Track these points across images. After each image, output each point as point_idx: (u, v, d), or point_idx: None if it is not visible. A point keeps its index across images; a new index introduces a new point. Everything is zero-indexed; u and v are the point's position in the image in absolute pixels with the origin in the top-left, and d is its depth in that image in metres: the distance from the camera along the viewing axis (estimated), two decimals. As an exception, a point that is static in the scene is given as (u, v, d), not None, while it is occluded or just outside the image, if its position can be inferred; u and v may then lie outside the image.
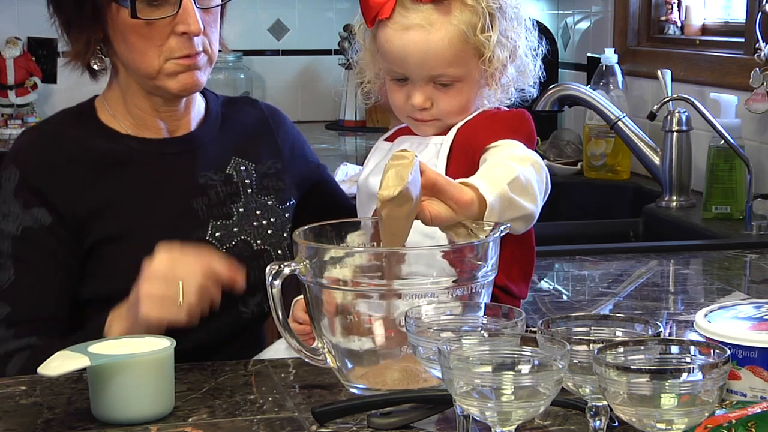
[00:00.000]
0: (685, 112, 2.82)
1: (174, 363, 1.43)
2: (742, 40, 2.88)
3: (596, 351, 1.08)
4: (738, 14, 3.10)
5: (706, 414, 1.06)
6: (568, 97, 2.92)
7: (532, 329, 1.18)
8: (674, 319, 1.90)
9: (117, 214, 1.72)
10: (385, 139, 1.77)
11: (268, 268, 1.43)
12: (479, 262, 1.40)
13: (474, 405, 1.09)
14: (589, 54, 3.62)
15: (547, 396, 1.08)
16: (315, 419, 1.36)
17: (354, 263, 1.40)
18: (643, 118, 2.89)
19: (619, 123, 2.90)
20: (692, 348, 1.11)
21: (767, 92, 2.62)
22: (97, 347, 1.40)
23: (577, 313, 1.33)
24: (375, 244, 1.52)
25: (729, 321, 1.41)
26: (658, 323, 1.18)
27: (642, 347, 1.12)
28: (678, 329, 1.83)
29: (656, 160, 2.86)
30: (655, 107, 2.74)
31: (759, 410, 1.21)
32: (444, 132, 1.68)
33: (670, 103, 2.80)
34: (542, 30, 1.80)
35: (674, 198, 2.82)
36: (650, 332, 1.17)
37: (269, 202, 1.83)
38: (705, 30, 3.28)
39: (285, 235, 1.83)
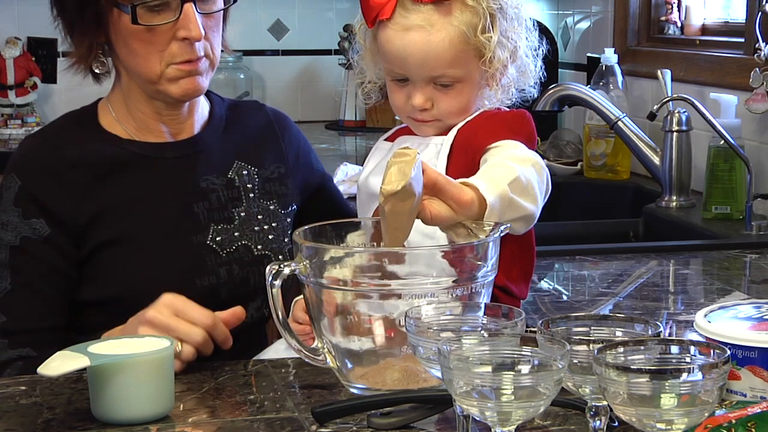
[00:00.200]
0: (685, 112, 2.82)
1: (174, 363, 1.43)
2: (742, 40, 2.88)
3: (596, 351, 1.08)
4: (738, 14, 3.10)
5: (706, 414, 1.06)
6: (568, 97, 2.92)
7: (532, 329, 1.18)
8: (674, 319, 1.90)
9: (118, 219, 1.72)
10: (386, 139, 1.77)
11: (268, 268, 1.43)
12: (479, 262, 1.40)
13: (474, 405, 1.09)
14: (589, 54, 3.62)
15: (547, 396, 1.08)
16: (315, 419, 1.36)
17: (354, 263, 1.40)
18: (643, 118, 2.89)
19: (619, 123, 2.90)
20: (692, 348, 1.11)
21: (767, 92, 2.62)
22: (97, 347, 1.39)
23: (577, 313, 1.33)
24: (375, 244, 1.52)
25: (729, 321, 1.41)
26: (658, 323, 1.18)
27: (642, 347, 1.12)
28: (678, 329, 1.83)
29: (656, 160, 2.86)
30: (655, 107, 2.74)
31: (759, 410, 1.21)
32: (444, 132, 1.68)
33: (670, 103, 2.80)
34: (542, 30, 1.80)
35: (674, 198, 2.82)
36: (650, 332, 1.17)
37: (271, 207, 1.83)
38: (705, 30, 3.28)
39: (286, 240, 1.83)
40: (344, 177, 2.97)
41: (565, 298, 2.10)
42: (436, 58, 1.62)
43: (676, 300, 2.08)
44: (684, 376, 1.05)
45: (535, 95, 1.76)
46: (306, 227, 1.48)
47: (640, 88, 3.27)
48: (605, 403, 1.13)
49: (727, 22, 3.19)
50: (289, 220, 1.85)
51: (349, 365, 1.44)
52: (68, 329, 1.72)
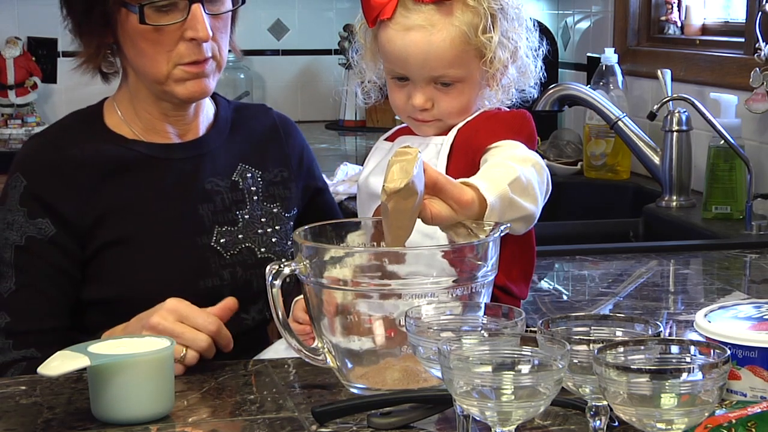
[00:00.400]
0: (685, 112, 2.82)
1: (174, 363, 1.43)
2: (742, 40, 2.88)
3: (596, 351, 1.08)
4: (738, 14, 3.10)
5: (706, 414, 1.06)
6: (568, 97, 2.92)
7: (532, 329, 1.18)
8: (674, 319, 1.90)
9: (122, 219, 1.72)
10: (386, 139, 1.77)
11: (268, 267, 1.43)
12: (479, 262, 1.40)
13: (474, 405, 1.09)
14: (589, 54, 3.62)
15: (547, 396, 1.08)
16: (315, 419, 1.36)
17: (354, 263, 1.40)
18: (643, 118, 2.89)
19: (619, 123, 2.90)
20: (692, 348, 1.11)
21: (767, 92, 2.62)
22: (97, 347, 1.39)
23: (577, 313, 1.33)
24: (375, 244, 1.52)
25: (729, 321, 1.41)
26: (658, 323, 1.18)
27: (642, 347, 1.12)
28: (678, 329, 1.83)
29: (656, 160, 2.86)
30: (655, 107, 2.74)
31: (759, 410, 1.21)
32: (444, 132, 1.68)
33: (670, 103, 2.80)
34: (542, 30, 1.80)
35: (674, 198, 2.82)
36: (650, 332, 1.17)
37: (275, 210, 1.84)
38: (705, 30, 3.28)
39: (289, 243, 1.83)
40: (344, 177, 2.96)
41: (565, 298, 2.10)
42: (436, 58, 1.62)
43: (676, 300, 2.08)
44: (684, 376, 1.05)
45: (535, 95, 1.76)
46: (306, 227, 1.48)
47: (640, 88, 3.27)
48: (605, 403, 1.13)
49: (727, 21, 3.19)
50: (292, 223, 1.85)
51: (349, 365, 1.44)
52: (71, 329, 1.72)
